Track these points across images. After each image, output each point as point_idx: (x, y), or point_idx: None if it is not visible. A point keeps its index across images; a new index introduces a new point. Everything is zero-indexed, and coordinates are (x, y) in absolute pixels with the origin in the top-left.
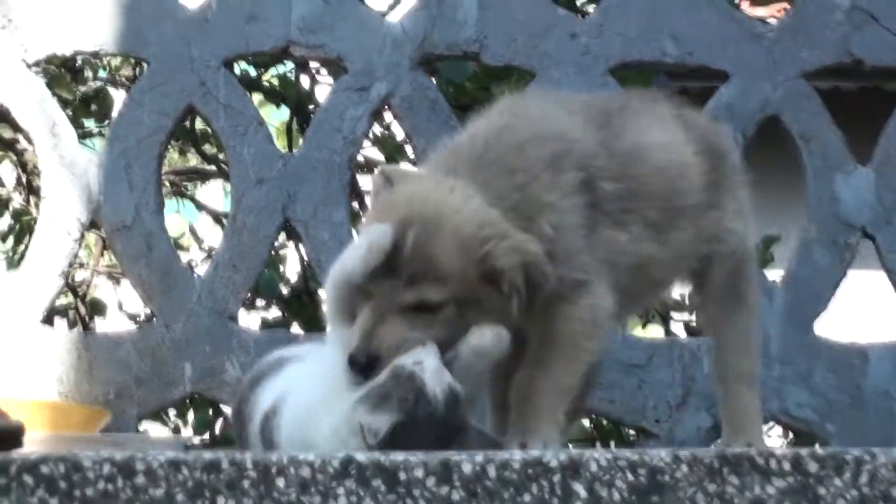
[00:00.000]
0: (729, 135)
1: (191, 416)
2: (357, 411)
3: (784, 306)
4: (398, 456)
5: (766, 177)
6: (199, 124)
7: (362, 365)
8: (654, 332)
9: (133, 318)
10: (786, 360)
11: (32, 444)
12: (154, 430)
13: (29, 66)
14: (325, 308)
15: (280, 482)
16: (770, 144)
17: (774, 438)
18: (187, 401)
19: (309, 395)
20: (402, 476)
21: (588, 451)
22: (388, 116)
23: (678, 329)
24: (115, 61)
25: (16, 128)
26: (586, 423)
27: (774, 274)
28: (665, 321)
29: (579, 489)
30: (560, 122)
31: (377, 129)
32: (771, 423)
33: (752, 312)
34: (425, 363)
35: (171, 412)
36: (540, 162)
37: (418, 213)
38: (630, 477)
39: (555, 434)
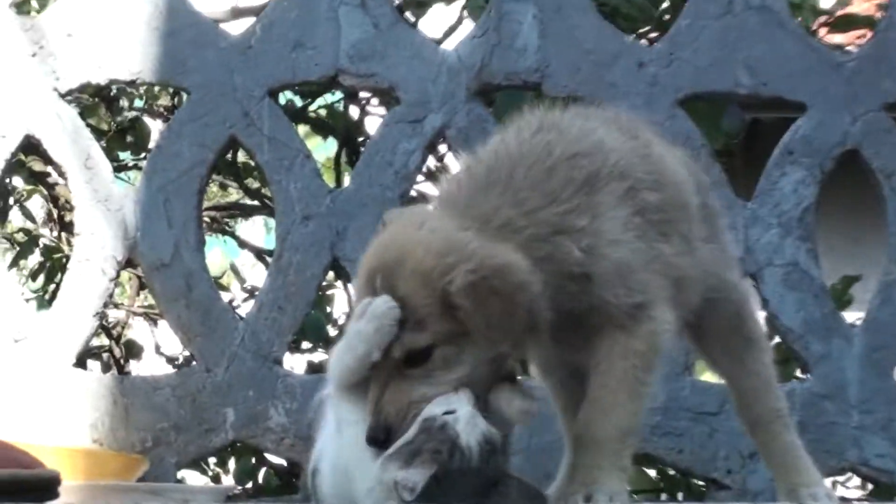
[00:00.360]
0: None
1: (232, 464)
2: (388, 469)
3: (863, 350)
4: None
5: (844, 214)
6: (241, 157)
7: (381, 441)
8: None
9: (171, 361)
10: (865, 408)
11: (68, 494)
12: (193, 478)
13: (61, 96)
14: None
15: None
16: (849, 180)
17: (852, 490)
18: (228, 448)
19: (343, 455)
20: None
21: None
22: (442, 149)
23: None
24: (152, 90)
25: (47, 160)
26: (652, 473)
27: (853, 316)
28: None
29: None
30: (596, 134)
31: (431, 162)
32: (849, 474)
33: (763, 349)
34: (459, 412)
35: (212, 460)
36: (571, 185)
37: (382, 260)
38: None
39: (621, 484)
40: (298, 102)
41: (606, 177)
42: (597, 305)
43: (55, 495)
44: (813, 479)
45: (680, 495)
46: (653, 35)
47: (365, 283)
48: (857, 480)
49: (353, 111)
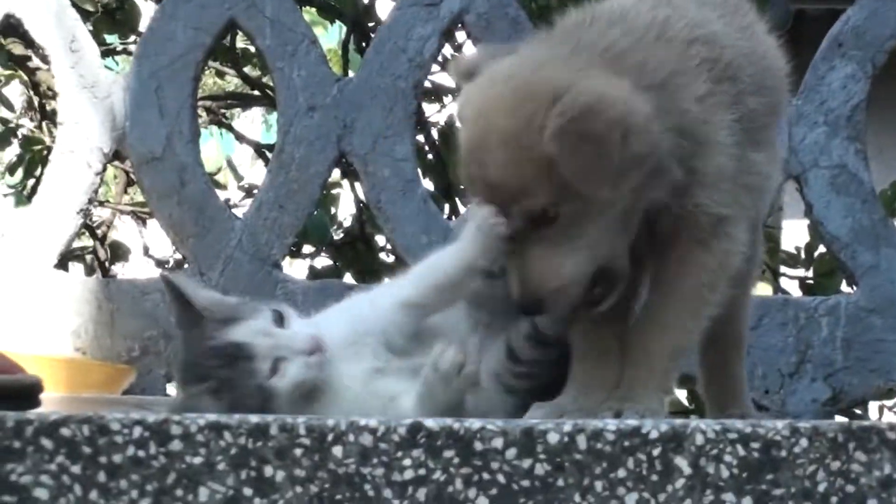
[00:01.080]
0: None
1: None
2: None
3: None
4: (474, 423)
5: None
6: (240, 42)
7: (536, 311)
8: (763, 290)
9: (161, 263)
10: None
11: (47, 406)
12: None
13: None
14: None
15: (337, 451)
16: None
17: None
18: None
19: None
20: (479, 446)
21: (693, 421)
22: (460, 36)
23: (791, 287)
24: None
25: (28, 43)
26: (682, 394)
27: None
28: (776, 277)
29: (682, 464)
30: (714, 25)
31: (448, 50)
32: None
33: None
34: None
35: None
36: (693, 62)
37: (470, 139)
38: (741, 451)
39: (659, 405)
40: None
41: (719, 74)
42: (683, 206)
43: (37, 403)
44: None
45: None
46: None
47: (463, 170)
48: None
49: None
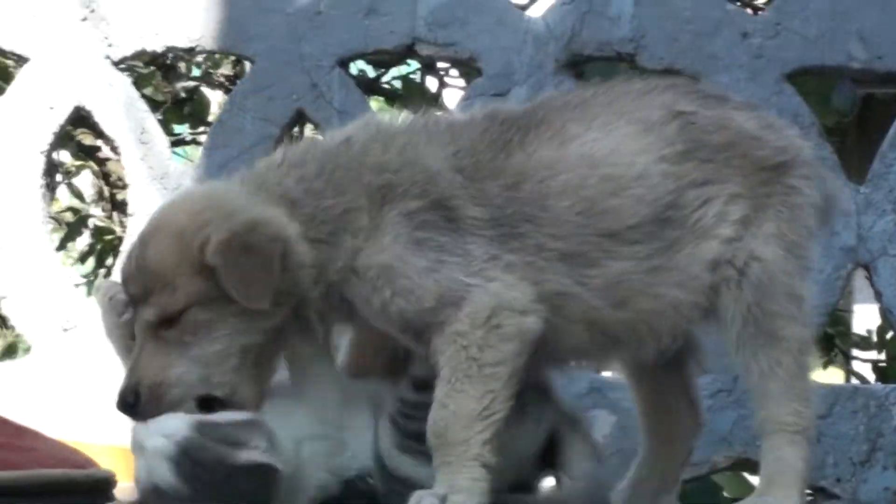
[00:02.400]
0: (789, 143)
1: None
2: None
3: None
4: None
5: None
6: (309, 132)
7: (130, 405)
8: (835, 373)
9: None
10: None
11: (123, 495)
12: None
13: (114, 64)
14: None
15: None
16: None
17: None
18: None
19: None
20: None
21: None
22: None
23: (864, 369)
24: (213, 58)
25: (98, 134)
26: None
27: None
28: (847, 360)
29: None
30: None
31: None
32: None
33: (787, 351)
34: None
35: None
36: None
37: (140, 233)
38: None
39: (472, 482)
40: (371, 73)
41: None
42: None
43: (110, 497)
44: (779, 493)
45: None
46: (758, 2)
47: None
48: None
49: (431, 83)
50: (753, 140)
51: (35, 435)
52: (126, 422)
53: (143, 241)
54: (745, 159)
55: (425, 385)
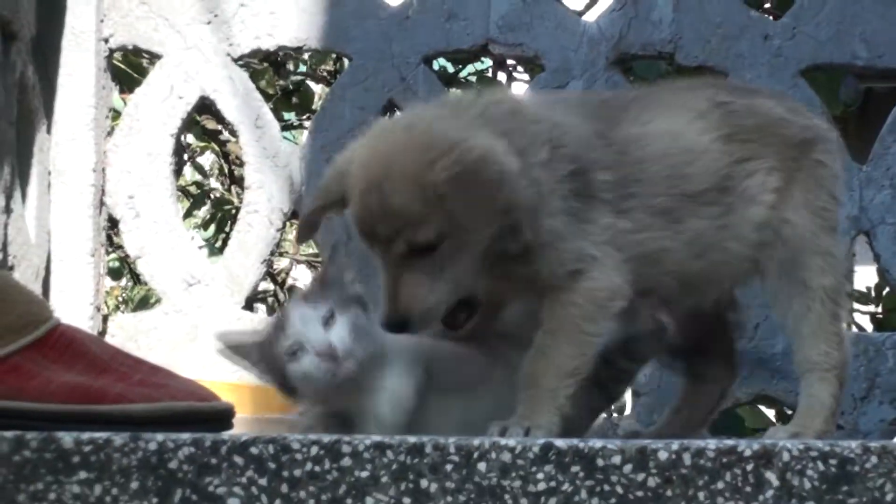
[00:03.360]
0: (811, 123)
1: None
2: None
3: None
4: (597, 443)
5: None
6: None
7: (399, 327)
8: None
9: None
10: None
11: (238, 426)
12: None
13: (234, 61)
14: None
15: (482, 466)
16: None
17: None
18: None
19: None
20: (600, 462)
21: (781, 441)
22: None
23: (864, 321)
24: (317, 56)
25: (219, 119)
26: (772, 413)
27: None
28: (850, 314)
29: (771, 478)
30: (555, 113)
31: None
32: None
33: (816, 298)
34: None
35: None
36: (539, 138)
37: (371, 172)
38: (821, 467)
39: (551, 422)
40: (451, 69)
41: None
42: (532, 265)
43: (230, 426)
44: (806, 423)
45: None
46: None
47: (358, 203)
48: None
49: (501, 77)
50: (782, 121)
51: (167, 373)
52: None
53: (379, 186)
54: (776, 137)
55: (639, 356)
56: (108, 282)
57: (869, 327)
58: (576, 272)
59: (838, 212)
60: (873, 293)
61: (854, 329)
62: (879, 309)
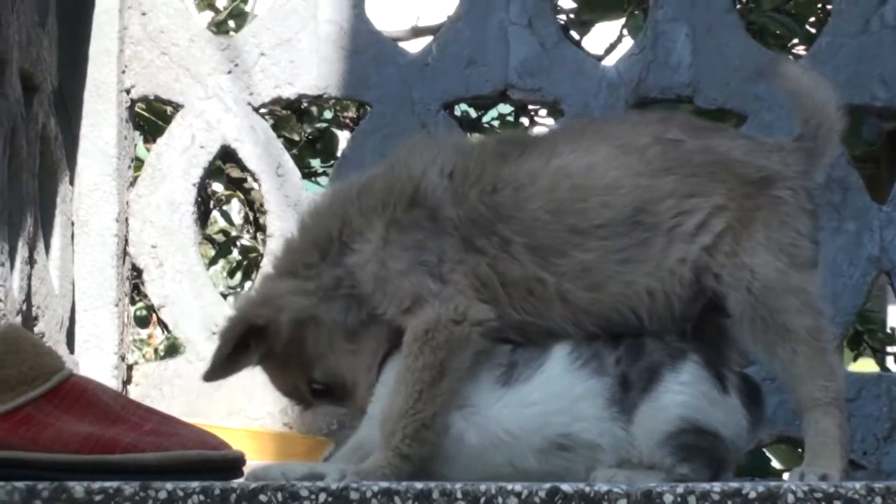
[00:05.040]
0: (770, 163)
1: None
2: None
3: None
4: (602, 487)
5: None
6: None
7: None
8: (867, 365)
9: None
10: None
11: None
12: None
13: (255, 109)
14: None
15: None
16: None
17: None
18: None
19: None
20: None
21: (785, 482)
22: None
23: (890, 362)
24: (341, 102)
25: (243, 168)
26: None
27: None
28: (875, 353)
29: None
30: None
31: None
32: None
33: (799, 339)
34: None
35: None
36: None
37: None
38: None
39: (379, 467)
40: (473, 114)
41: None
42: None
43: (240, 474)
44: (824, 462)
45: None
46: (798, 50)
47: None
48: None
49: (524, 121)
50: (738, 161)
51: (178, 422)
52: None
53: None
54: (728, 175)
55: None
56: (143, 330)
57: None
58: (409, 310)
59: (808, 247)
60: None
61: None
62: None
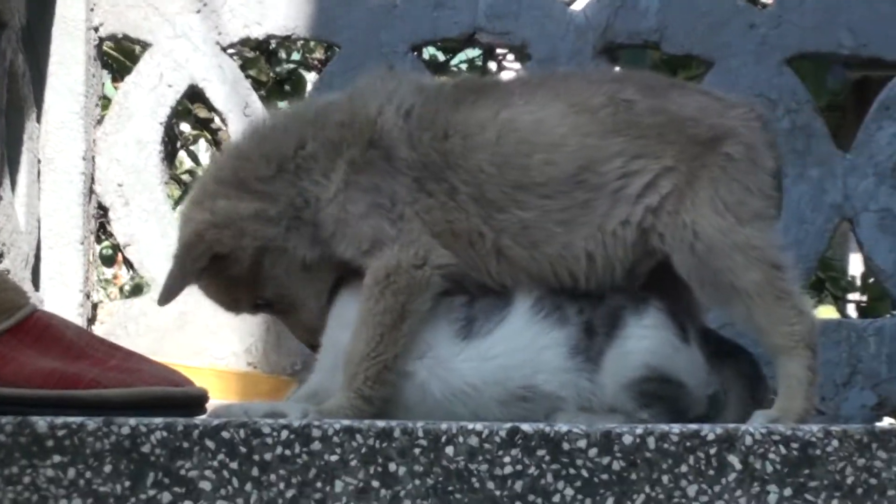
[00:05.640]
0: (722, 120)
1: None
2: None
3: None
4: (562, 427)
5: None
6: None
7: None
8: (827, 312)
9: None
10: None
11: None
12: None
13: (223, 49)
14: None
15: (449, 450)
16: None
17: None
18: None
19: None
20: (566, 446)
21: (743, 425)
22: None
23: (850, 309)
24: (308, 44)
25: (210, 108)
26: None
27: None
28: (836, 301)
29: (734, 461)
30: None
31: None
32: None
33: (751, 294)
34: None
35: None
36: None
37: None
38: (783, 450)
39: (340, 407)
40: (441, 57)
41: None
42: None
43: (203, 410)
44: (787, 403)
45: None
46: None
47: None
48: None
49: (491, 65)
50: (689, 121)
51: (141, 358)
52: (229, 352)
53: None
54: (680, 136)
55: None
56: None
57: (854, 315)
58: (368, 252)
59: (759, 202)
60: (859, 281)
61: (838, 316)
62: (864, 297)
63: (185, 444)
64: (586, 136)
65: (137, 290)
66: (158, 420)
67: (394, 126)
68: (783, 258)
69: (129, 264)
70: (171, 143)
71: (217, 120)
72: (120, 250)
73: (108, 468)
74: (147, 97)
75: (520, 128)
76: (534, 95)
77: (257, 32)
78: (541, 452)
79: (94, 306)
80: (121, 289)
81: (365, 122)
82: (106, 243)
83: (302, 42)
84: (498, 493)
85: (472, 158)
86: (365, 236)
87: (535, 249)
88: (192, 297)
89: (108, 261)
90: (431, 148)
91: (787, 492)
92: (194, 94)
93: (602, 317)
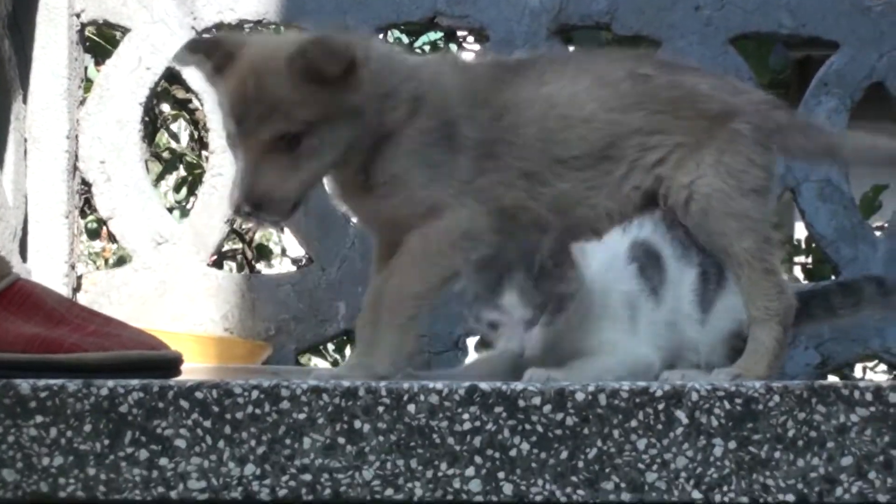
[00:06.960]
0: (735, 100)
1: (347, 350)
2: None
3: (886, 255)
4: (518, 385)
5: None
6: None
7: (247, 213)
8: None
9: (296, 262)
10: None
11: (198, 374)
12: (319, 364)
13: (198, 33)
14: None
15: (411, 408)
16: (873, 109)
17: (880, 374)
18: (344, 337)
19: None
20: (522, 403)
21: (690, 382)
22: None
23: (797, 271)
24: (278, 29)
25: (187, 89)
26: None
27: (882, 219)
28: (783, 264)
29: (681, 416)
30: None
31: None
32: (875, 361)
33: (742, 261)
34: None
35: (331, 348)
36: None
37: (261, 47)
38: (727, 405)
39: (380, 362)
40: (405, 40)
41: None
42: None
43: (178, 373)
44: (748, 365)
45: None
46: None
47: (233, 93)
48: (883, 367)
49: (452, 47)
50: (703, 96)
51: (119, 324)
52: (205, 317)
53: (257, 70)
54: (692, 111)
55: None
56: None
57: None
58: (428, 213)
59: (760, 176)
60: (804, 245)
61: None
62: (809, 260)
63: (161, 405)
64: (611, 111)
65: (121, 261)
66: (135, 382)
67: (458, 103)
68: (775, 235)
69: (112, 237)
70: (152, 123)
71: (195, 100)
72: (105, 224)
73: (87, 427)
74: (127, 79)
75: (559, 102)
76: (564, 71)
77: (230, 17)
78: (498, 409)
79: (79, 277)
80: (106, 261)
81: (435, 95)
82: (91, 217)
83: (273, 26)
84: (458, 448)
85: (524, 135)
86: (421, 201)
87: (565, 214)
88: (172, 267)
89: (94, 234)
90: (489, 126)
91: (732, 444)
92: (172, 76)
93: (713, 265)
